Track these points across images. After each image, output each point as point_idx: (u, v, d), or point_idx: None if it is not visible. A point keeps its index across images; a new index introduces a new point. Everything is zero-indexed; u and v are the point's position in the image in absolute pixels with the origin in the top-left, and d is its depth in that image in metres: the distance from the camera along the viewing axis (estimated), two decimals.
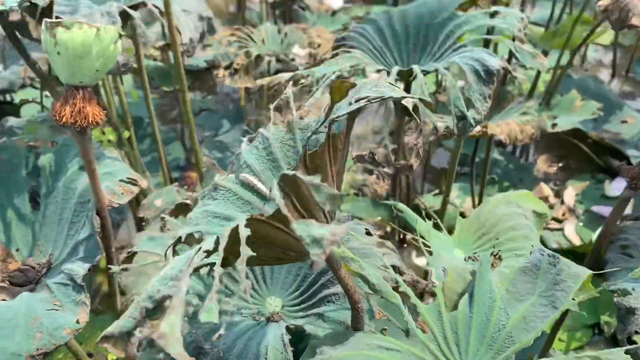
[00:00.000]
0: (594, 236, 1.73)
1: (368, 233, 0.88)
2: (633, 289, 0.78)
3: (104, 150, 1.24)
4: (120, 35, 0.90)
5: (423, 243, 0.91)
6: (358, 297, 0.69)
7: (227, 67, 1.99)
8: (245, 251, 0.46)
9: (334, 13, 2.45)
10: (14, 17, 1.00)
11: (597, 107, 1.91)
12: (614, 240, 1.09)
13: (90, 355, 1.37)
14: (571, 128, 1.91)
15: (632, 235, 1.08)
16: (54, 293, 0.95)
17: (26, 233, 1.22)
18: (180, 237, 0.70)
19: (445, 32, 1.05)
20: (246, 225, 0.49)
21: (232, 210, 0.78)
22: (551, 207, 1.94)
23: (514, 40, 1.00)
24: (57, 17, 1.08)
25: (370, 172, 1.99)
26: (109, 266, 1.07)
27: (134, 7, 1.24)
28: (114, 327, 0.54)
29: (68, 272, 0.96)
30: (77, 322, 0.89)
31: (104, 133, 1.39)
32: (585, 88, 2.34)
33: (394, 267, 0.81)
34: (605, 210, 1.91)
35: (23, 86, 2.12)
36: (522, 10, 2.27)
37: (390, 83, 0.65)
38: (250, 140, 0.87)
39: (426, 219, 0.98)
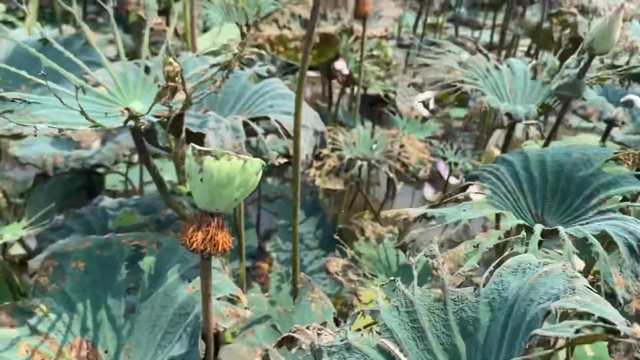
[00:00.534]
0: None
1: None
2: None
3: None
4: (263, 165, 0.88)
5: None
6: None
7: (318, 168, 1.97)
8: None
9: (424, 120, 2.44)
10: (144, 124, 1.00)
11: None
12: None
13: None
14: None
15: None
16: None
17: (116, 335, 1.17)
18: None
19: (589, 190, 0.99)
20: None
21: None
22: None
23: None
24: (187, 130, 1.08)
25: None
26: None
27: (255, 119, 1.24)
28: None
29: None
30: None
31: None
32: None
33: None
34: None
35: (116, 162, 2.18)
36: None
37: (588, 287, 0.57)
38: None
39: None
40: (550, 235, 0.95)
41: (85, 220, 1.72)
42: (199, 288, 1.14)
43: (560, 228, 0.91)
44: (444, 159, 2.46)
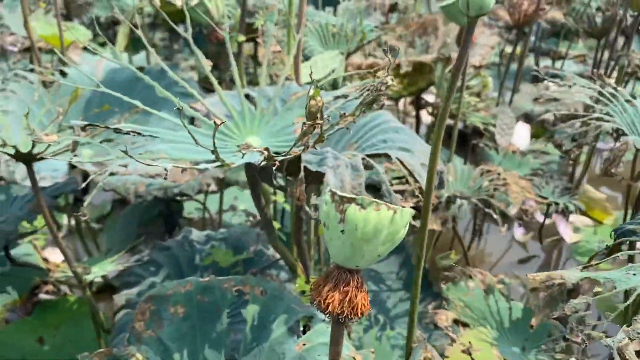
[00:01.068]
0: None
1: None
2: None
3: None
4: (414, 217, 0.76)
5: None
6: None
7: (415, 207, 1.83)
8: None
9: (522, 154, 2.27)
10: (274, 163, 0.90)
11: None
12: None
13: None
14: None
15: None
16: None
17: None
18: None
19: None
20: None
21: None
22: None
23: None
24: (305, 168, 0.96)
25: None
26: None
27: (372, 156, 1.12)
28: None
29: None
30: None
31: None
32: None
33: None
34: None
35: (199, 192, 2.11)
36: None
37: None
38: None
39: None
40: None
41: (172, 253, 1.64)
42: (310, 345, 1.01)
43: None
44: (543, 197, 2.27)
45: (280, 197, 2.00)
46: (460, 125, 2.57)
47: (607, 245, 1.02)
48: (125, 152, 0.65)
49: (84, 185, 0.76)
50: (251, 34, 2.06)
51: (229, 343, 1.08)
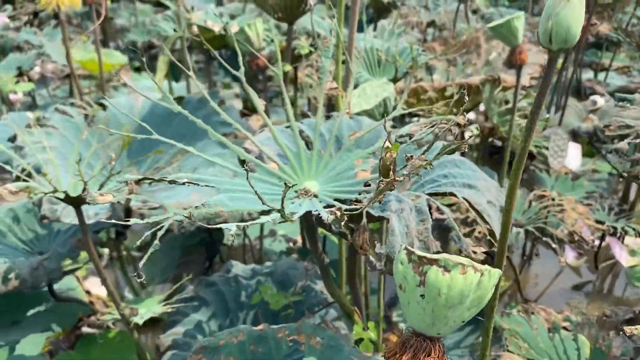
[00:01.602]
0: None
1: None
2: None
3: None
4: (482, 262, 0.68)
5: None
6: None
7: (467, 235, 1.74)
8: None
9: (575, 177, 2.16)
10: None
11: None
12: None
13: None
14: None
15: None
16: None
17: None
18: None
19: None
20: None
21: None
22: None
23: None
24: (367, 213, 0.90)
25: None
26: None
27: (435, 195, 1.04)
28: None
29: None
30: None
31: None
32: None
33: None
34: None
35: (242, 220, 2.06)
36: None
37: None
38: None
39: None
40: None
41: (217, 289, 1.59)
42: None
43: None
44: (599, 222, 2.15)
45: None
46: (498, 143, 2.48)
47: None
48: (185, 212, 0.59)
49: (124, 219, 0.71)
50: (295, 62, 2.02)
51: None
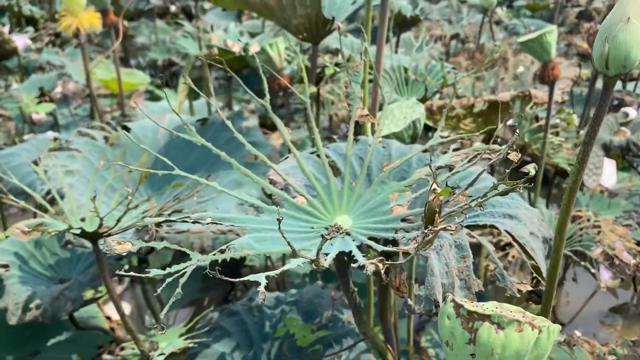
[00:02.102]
0: None
1: None
2: None
3: None
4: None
5: None
6: None
7: (500, 258, 1.66)
8: None
9: (612, 195, 2.06)
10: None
11: None
12: None
13: None
14: None
15: None
16: None
17: None
18: None
19: None
20: None
21: None
22: None
23: None
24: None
25: None
26: None
27: (474, 227, 0.98)
28: None
29: None
30: None
31: None
32: None
33: None
34: None
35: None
36: None
37: None
38: None
39: None
40: None
41: (240, 319, 1.53)
42: None
43: None
44: (639, 243, 2.04)
45: None
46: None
47: None
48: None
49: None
50: (318, 82, 1.97)
51: None
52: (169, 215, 0.94)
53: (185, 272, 0.69)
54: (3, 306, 1.38)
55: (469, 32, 3.15)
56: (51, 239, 1.76)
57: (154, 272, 0.65)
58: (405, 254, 0.85)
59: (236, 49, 2.28)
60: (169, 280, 0.72)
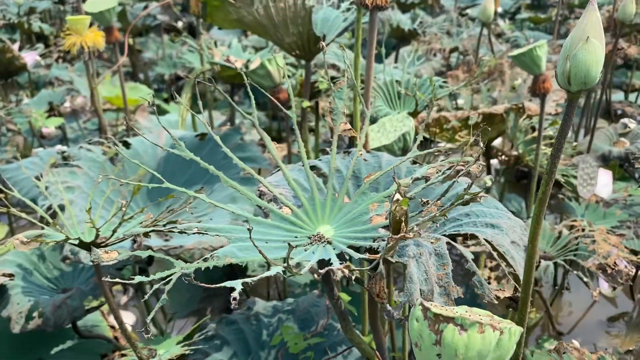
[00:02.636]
0: None
1: None
2: None
3: None
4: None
5: None
6: None
7: (493, 269, 1.69)
8: None
9: (607, 205, 2.08)
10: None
11: None
12: None
13: None
14: None
15: None
16: None
17: None
18: None
19: None
20: None
21: None
22: None
23: None
24: (385, 259, 0.87)
25: None
26: None
27: (454, 237, 1.01)
28: None
29: None
30: None
31: None
32: None
33: None
34: None
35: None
36: None
37: None
38: None
39: None
40: None
41: (238, 328, 1.57)
42: None
43: None
44: (634, 253, 2.06)
45: None
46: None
47: None
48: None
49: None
50: (315, 95, 2.02)
51: None
52: (164, 226, 0.98)
53: (170, 280, 0.73)
54: (7, 315, 1.43)
55: (467, 45, 3.19)
56: (54, 253, 1.82)
57: (137, 279, 0.69)
58: (386, 261, 0.89)
59: (238, 64, 2.34)
60: (167, 288, 0.76)
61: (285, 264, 0.63)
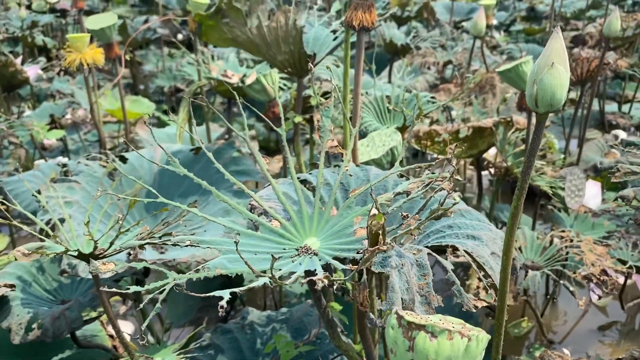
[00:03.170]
0: None
1: None
2: None
3: None
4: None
5: None
6: None
7: (481, 279, 1.73)
8: None
9: (596, 216, 2.13)
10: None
11: None
12: None
13: None
14: None
15: None
16: None
17: None
18: None
19: None
20: None
21: None
22: None
23: None
24: (368, 270, 0.91)
25: None
26: None
27: (437, 250, 1.06)
28: None
29: None
30: None
31: None
32: None
33: None
34: None
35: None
36: None
37: None
38: None
39: None
40: None
41: (233, 337, 1.61)
42: None
43: None
44: (622, 262, 2.10)
45: None
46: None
47: None
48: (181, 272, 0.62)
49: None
50: (309, 110, 2.07)
51: None
52: (159, 238, 1.03)
53: (164, 290, 0.77)
54: (7, 326, 1.47)
55: (461, 58, 3.25)
56: (53, 265, 1.86)
57: (133, 289, 0.74)
58: (370, 271, 0.93)
59: (235, 79, 2.39)
60: (161, 297, 0.80)
61: (270, 275, 0.68)
